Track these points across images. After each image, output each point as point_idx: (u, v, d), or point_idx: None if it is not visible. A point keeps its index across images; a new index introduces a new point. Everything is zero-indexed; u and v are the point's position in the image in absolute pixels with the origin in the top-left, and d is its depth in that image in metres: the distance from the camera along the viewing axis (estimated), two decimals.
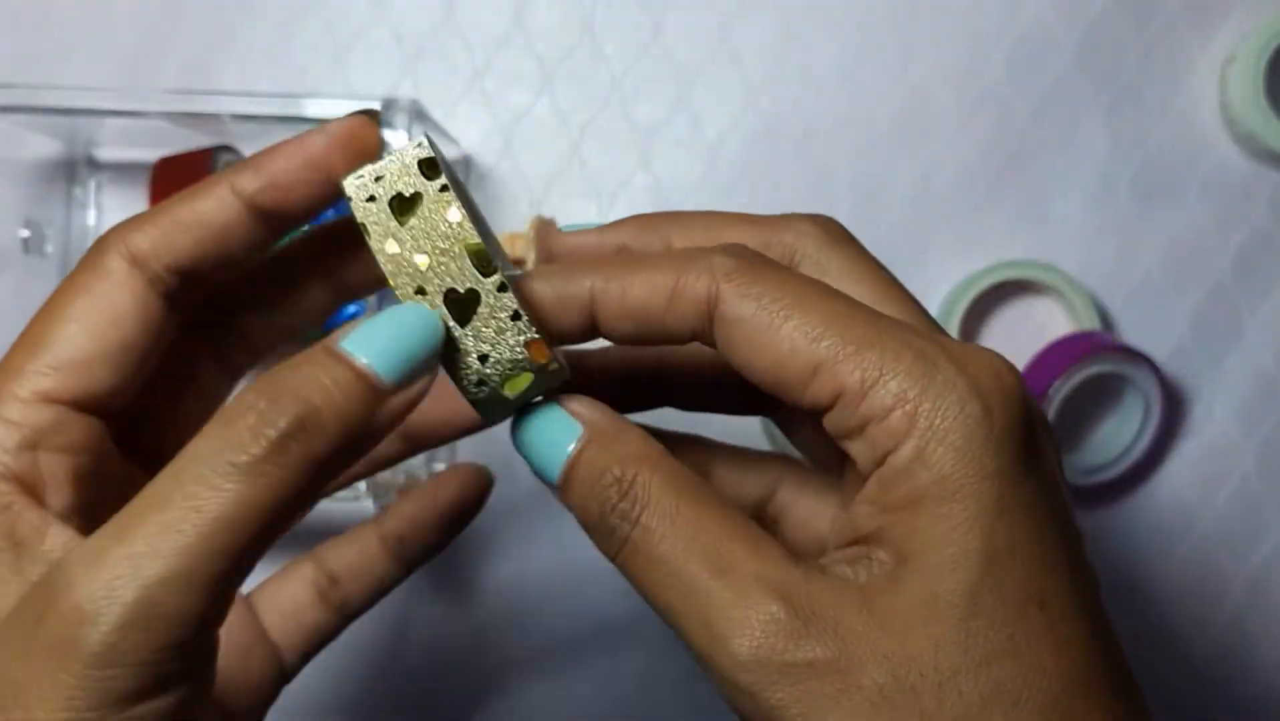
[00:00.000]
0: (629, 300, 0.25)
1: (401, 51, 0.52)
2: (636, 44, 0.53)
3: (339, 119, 0.26)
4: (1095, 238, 0.53)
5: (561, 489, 0.25)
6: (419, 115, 0.43)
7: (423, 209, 0.24)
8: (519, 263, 0.46)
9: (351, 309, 0.45)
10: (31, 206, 0.49)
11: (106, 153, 0.51)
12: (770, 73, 0.53)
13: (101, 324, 0.24)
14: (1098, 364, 0.49)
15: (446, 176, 0.25)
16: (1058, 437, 0.47)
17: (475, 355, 0.24)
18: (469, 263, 0.24)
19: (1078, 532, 0.25)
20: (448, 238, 0.24)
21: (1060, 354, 0.50)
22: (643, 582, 0.24)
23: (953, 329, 0.51)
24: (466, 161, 0.52)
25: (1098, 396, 0.53)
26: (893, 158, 0.53)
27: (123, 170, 0.52)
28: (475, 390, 0.25)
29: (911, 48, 0.53)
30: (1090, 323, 0.51)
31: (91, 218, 0.52)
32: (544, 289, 0.25)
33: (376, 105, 0.42)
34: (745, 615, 0.22)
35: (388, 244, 0.24)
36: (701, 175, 0.53)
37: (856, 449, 0.24)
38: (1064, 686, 0.23)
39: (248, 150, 0.49)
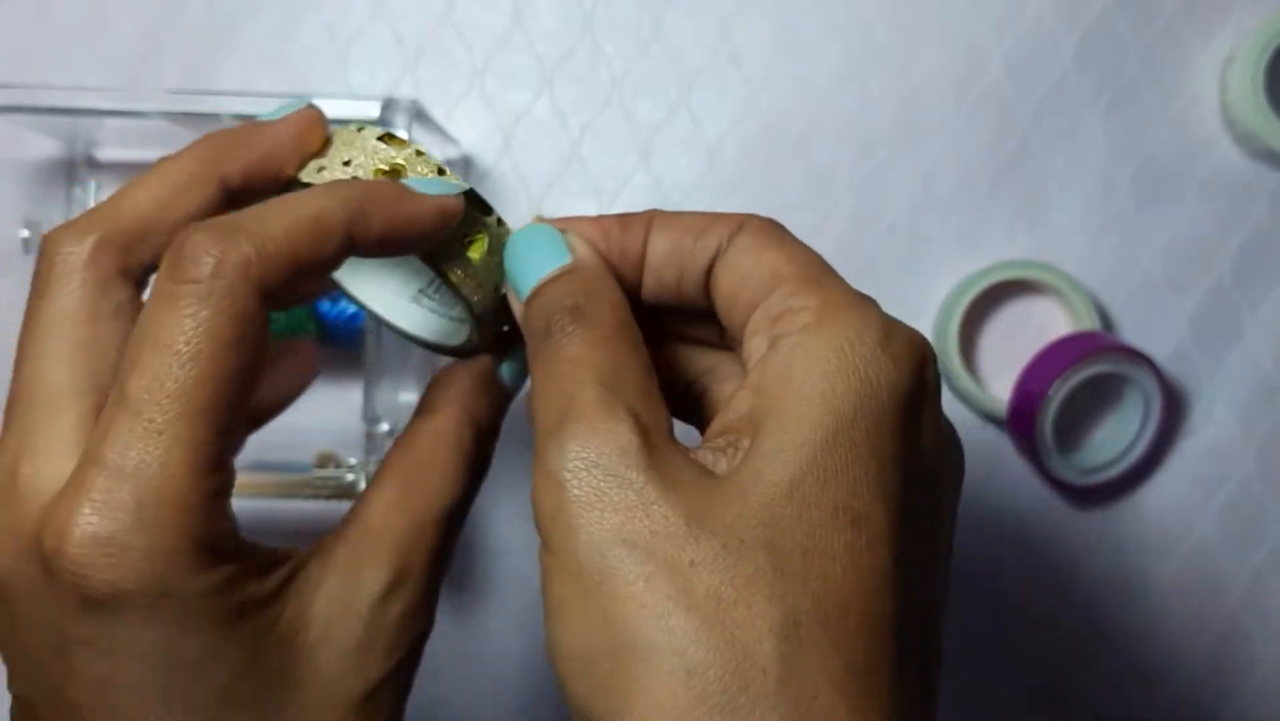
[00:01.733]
0: (679, 221, 0.29)
1: (401, 51, 0.52)
2: (636, 44, 0.53)
3: (291, 113, 0.29)
4: (1095, 238, 0.53)
5: (528, 299, 0.27)
6: (419, 115, 0.43)
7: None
8: None
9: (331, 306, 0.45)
10: (32, 207, 0.49)
11: (106, 153, 0.51)
12: (770, 72, 0.53)
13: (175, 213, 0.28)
14: (1098, 364, 0.49)
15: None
16: (1059, 440, 0.46)
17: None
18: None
19: (936, 518, 0.25)
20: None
21: (1060, 354, 0.50)
22: (537, 379, 0.26)
23: (953, 329, 0.51)
24: (466, 161, 0.52)
25: (1098, 396, 0.53)
26: (893, 158, 0.53)
27: (123, 170, 0.52)
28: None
29: (912, 48, 0.53)
30: (1090, 323, 0.51)
31: None
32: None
33: (376, 104, 0.42)
34: (597, 423, 0.23)
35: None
36: (701, 175, 0.53)
37: (758, 341, 0.26)
38: (841, 614, 0.22)
39: None
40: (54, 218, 0.50)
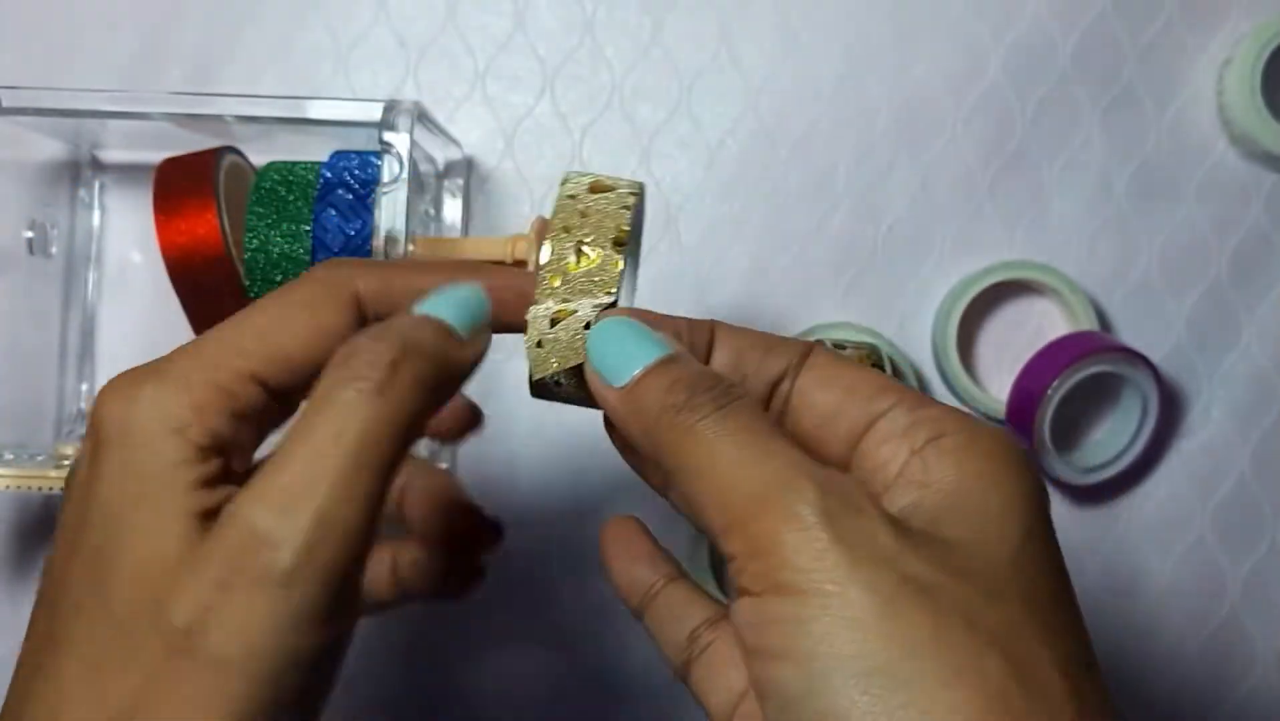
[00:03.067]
0: (745, 337, 0.29)
1: (404, 53, 0.53)
2: (637, 46, 0.53)
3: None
4: (1093, 238, 0.53)
5: (630, 387, 0.27)
6: (421, 117, 0.43)
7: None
8: (519, 264, 0.46)
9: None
10: (36, 208, 0.49)
11: (111, 154, 0.51)
12: (770, 75, 0.53)
13: (315, 337, 0.28)
14: (1095, 364, 0.50)
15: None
16: (1057, 439, 0.47)
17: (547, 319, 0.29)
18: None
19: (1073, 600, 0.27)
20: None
21: (1058, 354, 0.50)
22: (687, 455, 0.25)
23: (952, 329, 0.51)
24: (468, 163, 0.53)
25: (1095, 396, 0.54)
26: (892, 159, 0.53)
27: (127, 171, 0.52)
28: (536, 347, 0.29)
29: (910, 50, 0.53)
30: (1088, 323, 0.52)
31: (95, 219, 0.52)
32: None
33: (378, 107, 0.43)
34: (827, 475, 0.24)
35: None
36: (702, 176, 0.53)
37: (893, 448, 0.26)
38: (1090, 658, 0.25)
39: (251, 151, 0.50)
40: (58, 219, 0.51)
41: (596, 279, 0.29)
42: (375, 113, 0.42)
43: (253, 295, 0.45)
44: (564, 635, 0.53)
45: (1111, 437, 0.53)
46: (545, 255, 0.29)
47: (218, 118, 0.43)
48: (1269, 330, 0.54)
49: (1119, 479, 0.52)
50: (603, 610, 0.53)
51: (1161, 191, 0.54)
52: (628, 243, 0.30)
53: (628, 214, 0.30)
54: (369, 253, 0.42)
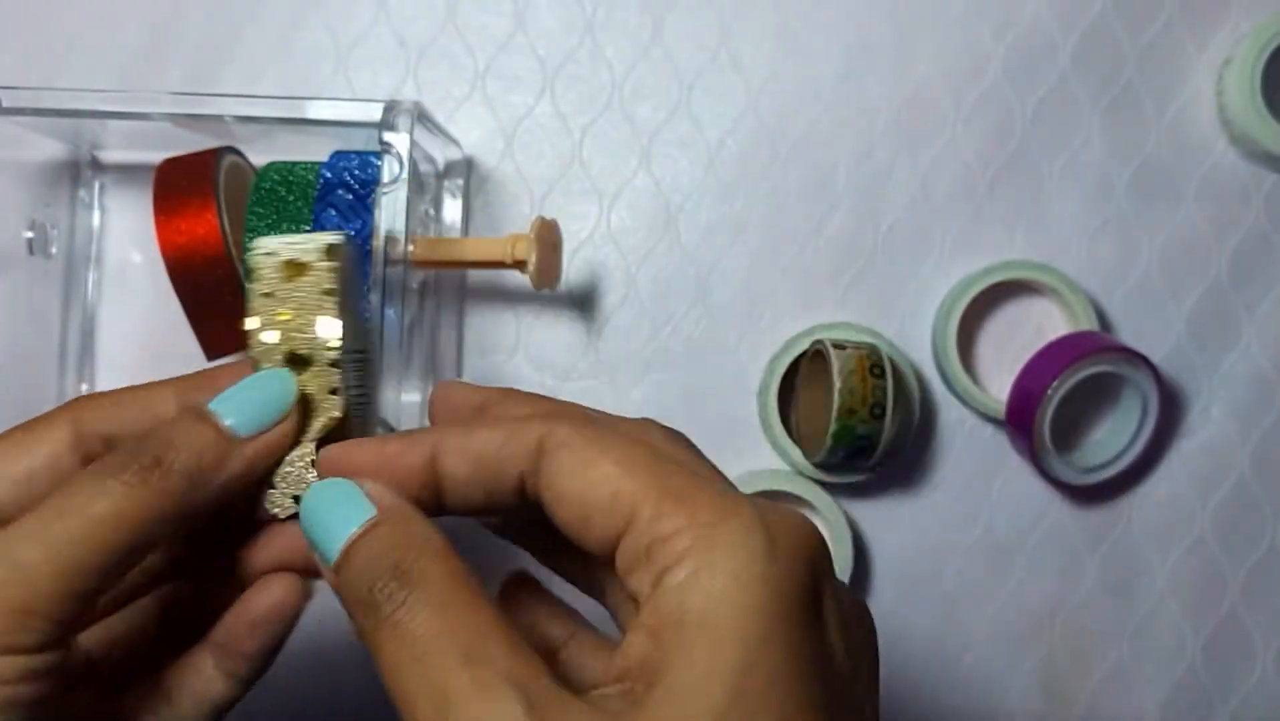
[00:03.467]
0: (471, 444, 0.27)
1: (404, 54, 0.53)
2: (637, 46, 0.53)
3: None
4: (1093, 238, 0.53)
5: (338, 564, 0.25)
6: (421, 117, 0.43)
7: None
8: (519, 264, 0.46)
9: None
10: (36, 208, 0.49)
11: (110, 155, 0.51)
12: (770, 75, 0.53)
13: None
14: (1095, 364, 0.50)
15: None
16: (1057, 439, 0.47)
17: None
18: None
19: (861, 698, 0.25)
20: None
21: (1058, 354, 0.50)
22: (390, 664, 0.23)
23: (952, 329, 0.51)
24: (469, 163, 0.53)
25: (1095, 396, 0.54)
26: (892, 159, 0.53)
27: (127, 171, 0.52)
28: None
29: (910, 50, 0.53)
30: (1088, 323, 0.52)
31: (96, 219, 0.52)
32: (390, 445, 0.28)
33: (378, 107, 0.43)
34: (482, 708, 0.22)
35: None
36: (702, 176, 0.53)
37: (638, 579, 0.24)
38: None
39: (251, 151, 0.50)
40: (59, 219, 0.51)
41: (316, 389, 0.29)
42: (375, 113, 0.42)
43: None
44: None
45: (1111, 438, 0.53)
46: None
47: (218, 118, 0.43)
48: (1269, 330, 0.54)
49: (1119, 479, 0.52)
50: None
51: (1161, 191, 0.54)
52: (341, 343, 0.28)
53: (333, 301, 0.28)
54: (370, 252, 0.42)
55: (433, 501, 0.27)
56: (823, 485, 0.51)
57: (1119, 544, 0.54)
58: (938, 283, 0.53)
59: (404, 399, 0.42)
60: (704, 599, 0.22)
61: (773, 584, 0.23)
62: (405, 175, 0.42)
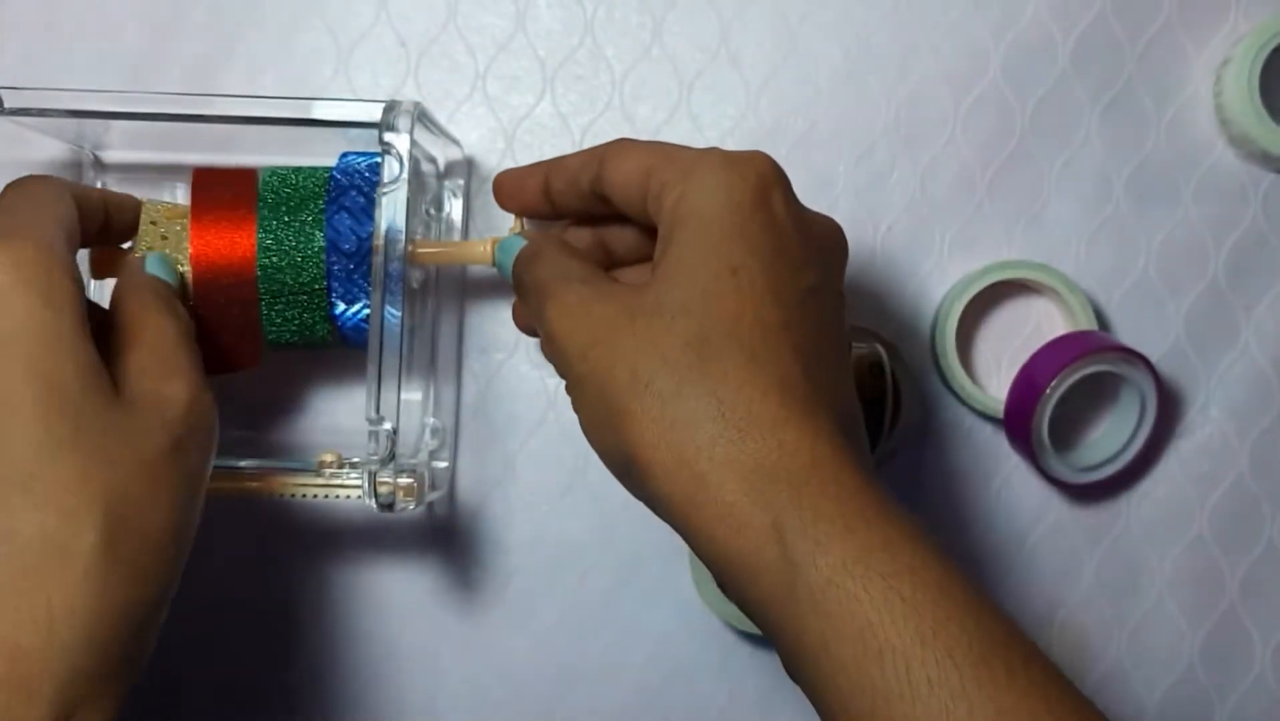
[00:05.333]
0: (564, 165, 0.43)
1: (404, 54, 0.53)
2: (637, 46, 0.53)
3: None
4: (1092, 238, 0.54)
5: (513, 267, 0.42)
6: (421, 117, 0.43)
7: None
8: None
9: (359, 308, 0.45)
10: None
11: (113, 154, 0.52)
12: (769, 75, 0.53)
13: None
14: (1094, 363, 0.50)
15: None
16: (1055, 438, 0.47)
17: None
18: None
19: (806, 269, 0.36)
20: None
21: (1057, 353, 0.50)
22: (522, 298, 0.42)
23: (950, 328, 0.52)
24: (469, 163, 0.53)
25: (1094, 395, 0.54)
26: (891, 159, 0.53)
27: (129, 171, 0.52)
28: None
29: (909, 50, 0.53)
30: (1087, 322, 0.52)
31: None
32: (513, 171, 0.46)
33: (379, 107, 0.43)
34: (566, 290, 0.38)
35: None
36: None
37: (656, 215, 0.38)
38: (735, 324, 0.34)
39: (250, 151, 0.49)
40: None
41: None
42: (376, 113, 0.43)
43: (265, 304, 0.45)
44: (561, 633, 0.53)
45: (1109, 437, 0.53)
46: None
47: (220, 118, 0.43)
48: (1267, 329, 0.54)
49: (1117, 478, 0.52)
50: (601, 607, 0.53)
51: (1160, 191, 0.54)
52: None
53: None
54: (371, 250, 0.42)
55: (549, 208, 0.44)
56: None
57: (1117, 543, 0.54)
58: (936, 283, 0.53)
59: (405, 397, 0.42)
60: (685, 205, 0.36)
61: (725, 188, 0.36)
62: (405, 175, 0.42)
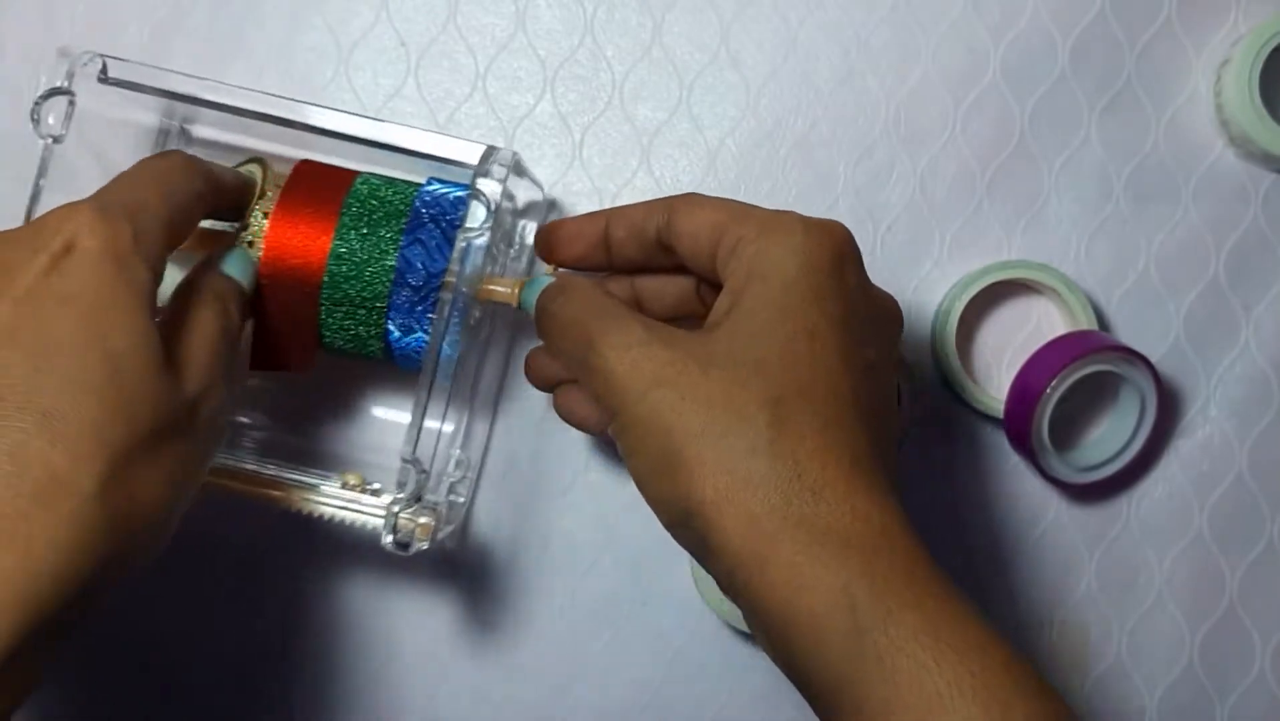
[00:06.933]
0: (627, 215, 0.42)
1: (405, 54, 0.53)
2: (637, 46, 0.53)
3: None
4: (1091, 238, 0.54)
5: (537, 306, 0.42)
6: (516, 167, 0.43)
7: None
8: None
9: (418, 335, 0.45)
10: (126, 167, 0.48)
11: (200, 130, 0.50)
12: (770, 75, 0.53)
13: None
14: (1094, 363, 0.50)
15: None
16: (1055, 438, 0.47)
17: None
18: None
19: (873, 339, 0.38)
20: None
21: (1057, 353, 0.50)
22: (556, 333, 0.40)
23: (950, 328, 0.52)
24: (549, 205, 0.52)
25: (1094, 395, 0.54)
26: (891, 159, 0.53)
27: (213, 149, 0.50)
28: None
29: (909, 51, 0.53)
30: (1086, 322, 0.52)
31: None
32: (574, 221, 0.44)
33: (478, 150, 0.43)
34: (623, 327, 0.37)
35: None
36: (702, 176, 0.53)
37: (725, 269, 0.38)
38: (810, 391, 0.35)
39: (324, 150, 0.48)
40: None
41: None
42: (473, 157, 0.42)
43: (324, 310, 0.44)
44: (562, 632, 0.53)
45: (1109, 437, 0.53)
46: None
47: (307, 127, 0.44)
48: (1267, 329, 0.54)
49: (1117, 478, 0.52)
50: (601, 607, 0.53)
51: (1159, 191, 0.54)
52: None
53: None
54: (444, 285, 0.42)
55: (604, 257, 0.43)
56: None
57: (1117, 542, 0.54)
58: (936, 283, 0.53)
59: (431, 425, 0.42)
60: (761, 263, 0.36)
61: (804, 252, 0.36)
62: (490, 224, 0.41)
